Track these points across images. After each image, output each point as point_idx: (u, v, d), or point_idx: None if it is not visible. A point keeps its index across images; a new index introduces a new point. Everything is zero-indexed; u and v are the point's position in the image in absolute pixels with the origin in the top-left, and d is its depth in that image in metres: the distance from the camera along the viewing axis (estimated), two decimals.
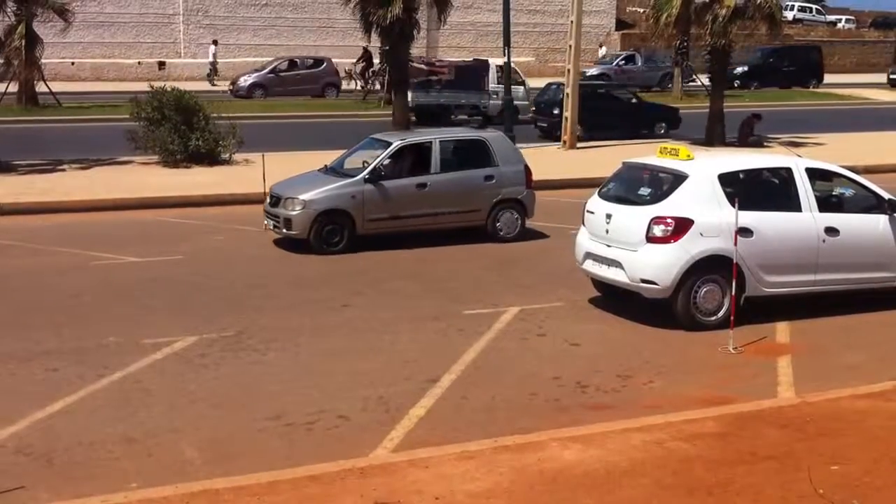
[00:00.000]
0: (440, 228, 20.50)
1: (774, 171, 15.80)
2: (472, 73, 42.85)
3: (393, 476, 9.38)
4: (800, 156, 16.43)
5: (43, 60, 41.57)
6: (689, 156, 15.29)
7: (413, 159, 20.82)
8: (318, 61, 54.67)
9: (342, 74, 56.05)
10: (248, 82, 51.54)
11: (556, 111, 37.45)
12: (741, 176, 15.39)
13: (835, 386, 12.06)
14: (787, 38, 72.41)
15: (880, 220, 15.61)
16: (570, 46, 34.70)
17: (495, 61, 43.64)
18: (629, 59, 62.16)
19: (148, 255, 19.19)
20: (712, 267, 14.53)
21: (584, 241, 15.92)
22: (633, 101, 40.54)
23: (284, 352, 13.68)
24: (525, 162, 21.67)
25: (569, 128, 34.52)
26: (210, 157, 29.45)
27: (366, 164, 20.36)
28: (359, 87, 54.71)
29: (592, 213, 15.79)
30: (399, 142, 20.73)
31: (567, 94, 34.57)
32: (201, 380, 12.53)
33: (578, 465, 9.64)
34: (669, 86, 56.97)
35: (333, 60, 55.40)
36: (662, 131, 38.97)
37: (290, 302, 16.24)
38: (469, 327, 14.77)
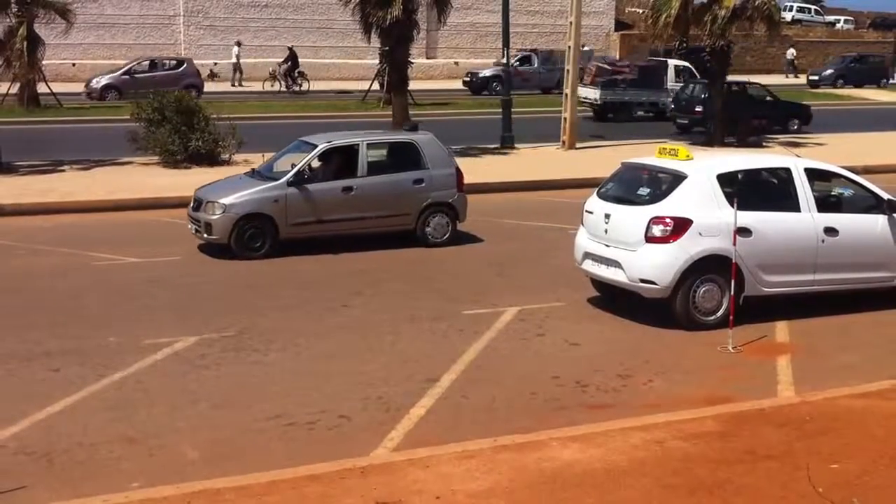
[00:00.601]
0: (368, 233, 20.14)
1: (773, 172, 15.83)
2: (653, 73, 46.05)
3: (393, 475, 9.40)
4: (799, 156, 16.45)
5: (44, 62, 41.68)
6: (688, 156, 15.31)
7: (339, 162, 20.37)
8: (179, 62, 53.13)
9: (266, 76, 55.99)
10: (101, 84, 49.37)
11: (697, 108, 39.55)
12: (740, 176, 15.40)
13: (833, 385, 12.08)
14: (784, 39, 72.86)
15: (879, 220, 15.64)
16: (570, 47, 34.72)
17: (673, 62, 47.27)
18: (524, 60, 59.70)
19: (148, 256, 19.23)
20: (711, 267, 14.56)
21: (583, 241, 15.92)
22: (768, 98, 42.11)
23: (285, 352, 13.70)
24: (456, 165, 21.29)
25: (568, 128, 34.54)
26: (210, 158, 29.48)
27: (293, 168, 20.12)
28: (283, 88, 54.96)
29: (591, 213, 15.79)
30: (325, 144, 20.25)
31: (566, 94, 34.59)
32: (202, 380, 12.55)
33: (578, 464, 9.65)
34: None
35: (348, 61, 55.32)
36: (795, 127, 40.92)
37: (290, 302, 16.26)
38: (469, 327, 14.79)
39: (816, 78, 67.66)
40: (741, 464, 9.64)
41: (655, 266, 14.58)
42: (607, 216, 15.31)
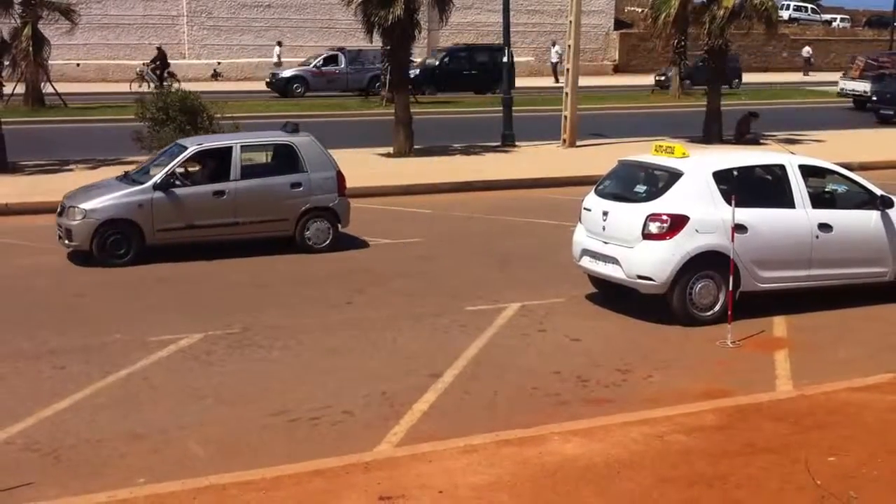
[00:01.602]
0: (243, 238, 19.54)
1: (768, 168, 15.91)
2: None
3: (397, 470, 9.46)
4: (793, 153, 16.53)
5: (49, 62, 41.77)
6: (684, 153, 15.42)
7: (212, 165, 19.77)
8: None
9: (133, 76, 55.36)
10: None
11: None
12: (735, 173, 15.39)
13: (831, 379, 12.15)
14: (781, 38, 72.97)
15: (872, 216, 15.74)
16: (569, 46, 34.77)
17: None
18: (329, 60, 56.48)
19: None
20: (708, 263, 14.66)
21: (581, 238, 16.03)
22: None
23: (289, 349, 13.79)
24: (338, 168, 20.30)
25: (568, 126, 34.63)
26: None
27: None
28: (152, 88, 53.71)
29: (589, 210, 15.88)
30: (195, 147, 19.61)
31: (566, 93, 34.66)
32: (207, 376, 12.64)
33: (579, 458, 9.72)
34: (379, 86, 51.63)
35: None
36: None
37: (295, 300, 16.36)
38: (471, 323, 14.88)
39: (663, 78, 63.44)
40: (740, 457, 9.72)
41: (652, 262, 14.68)
42: (605, 213, 15.41)
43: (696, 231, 14.62)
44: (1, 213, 23.44)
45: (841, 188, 16.17)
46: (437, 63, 57.43)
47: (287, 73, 56.28)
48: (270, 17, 67.07)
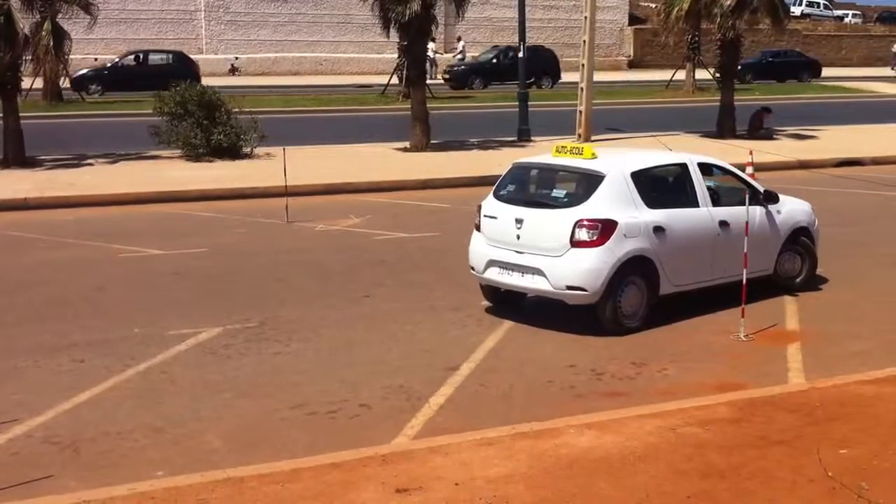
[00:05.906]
0: None
1: (674, 168, 15.54)
2: None
3: (413, 463, 9.50)
4: (670, 148, 16.35)
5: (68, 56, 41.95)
6: (593, 154, 14.72)
7: None
8: None
9: None
10: None
11: None
12: (650, 174, 15.04)
13: (843, 372, 12.21)
14: (794, 33, 73.00)
15: (757, 212, 15.58)
16: (584, 42, 34.80)
17: None
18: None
19: (172, 248, 19.42)
20: (634, 268, 14.12)
21: (483, 248, 14.98)
22: None
23: (307, 342, 13.84)
24: None
25: (583, 121, 34.67)
26: (232, 152, 29.74)
27: None
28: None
29: (494, 217, 14.80)
30: None
31: (582, 88, 34.70)
32: (225, 370, 12.70)
33: (594, 450, 9.76)
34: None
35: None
36: None
37: (313, 293, 16.41)
38: (487, 317, 14.93)
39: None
40: (753, 449, 9.76)
41: (584, 271, 13.88)
42: (518, 221, 14.38)
43: (625, 236, 14.01)
44: (20, 207, 23.61)
45: (727, 185, 16.06)
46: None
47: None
48: (287, 11, 67.26)
